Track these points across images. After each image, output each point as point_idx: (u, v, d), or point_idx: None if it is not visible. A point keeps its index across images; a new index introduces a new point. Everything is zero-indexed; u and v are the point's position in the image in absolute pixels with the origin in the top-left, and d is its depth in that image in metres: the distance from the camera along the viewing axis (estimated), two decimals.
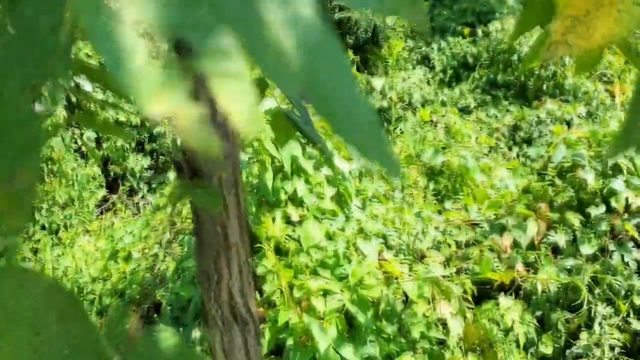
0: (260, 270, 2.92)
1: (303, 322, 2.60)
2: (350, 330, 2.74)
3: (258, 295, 2.92)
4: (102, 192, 7.52)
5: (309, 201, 3.24)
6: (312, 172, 3.32)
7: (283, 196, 3.26)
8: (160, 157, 8.31)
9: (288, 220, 3.20)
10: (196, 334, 3.08)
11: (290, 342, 2.63)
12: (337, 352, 2.56)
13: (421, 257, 3.06)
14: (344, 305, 2.65)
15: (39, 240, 6.42)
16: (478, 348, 2.66)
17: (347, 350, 2.59)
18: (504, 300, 2.67)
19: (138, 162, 8.01)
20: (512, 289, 2.80)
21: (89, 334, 0.58)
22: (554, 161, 3.44)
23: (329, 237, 3.10)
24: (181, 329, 3.36)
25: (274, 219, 3.13)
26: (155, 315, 3.81)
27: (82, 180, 7.19)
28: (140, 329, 0.62)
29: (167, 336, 0.62)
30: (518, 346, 2.82)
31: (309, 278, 2.82)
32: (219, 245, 0.74)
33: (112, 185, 8.03)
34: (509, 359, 2.57)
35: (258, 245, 2.85)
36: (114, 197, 7.61)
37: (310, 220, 3.12)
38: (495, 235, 3.16)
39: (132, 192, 7.92)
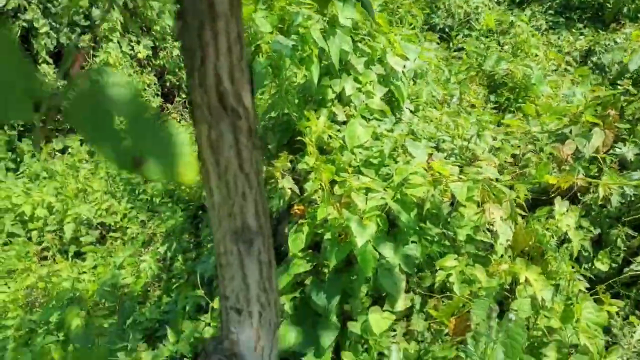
0: (301, 167, 2.81)
1: (342, 218, 2.49)
2: (392, 230, 2.62)
3: (298, 191, 2.83)
4: (158, 101, 7.54)
5: (357, 101, 3.07)
6: (362, 70, 3.13)
7: (330, 95, 3.10)
8: None
9: (334, 120, 3.06)
10: None
11: (327, 236, 2.53)
12: (376, 250, 2.45)
13: (474, 161, 2.87)
14: (386, 204, 2.52)
15: None
16: (528, 256, 2.49)
17: (387, 249, 2.49)
18: (560, 205, 2.47)
19: None
20: (569, 196, 2.59)
21: (21, 70, 0.46)
22: (630, 69, 3.13)
23: (376, 137, 2.95)
24: None
25: (319, 118, 2.98)
26: (200, 212, 3.81)
27: (139, 87, 7.20)
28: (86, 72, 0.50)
29: (117, 81, 0.50)
30: (571, 258, 2.64)
31: (351, 176, 2.69)
32: (202, 14, 0.61)
33: (167, 95, 8.04)
34: (560, 269, 2.40)
35: (299, 138, 2.72)
36: (170, 107, 7.63)
37: (357, 120, 2.97)
38: (557, 144, 2.92)
39: (187, 103, 7.89)
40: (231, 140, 0.66)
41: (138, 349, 2.76)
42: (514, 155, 3.27)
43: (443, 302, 2.42)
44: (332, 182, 2.76)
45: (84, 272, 3.92)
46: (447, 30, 7.44)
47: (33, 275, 3.57)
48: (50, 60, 6.80)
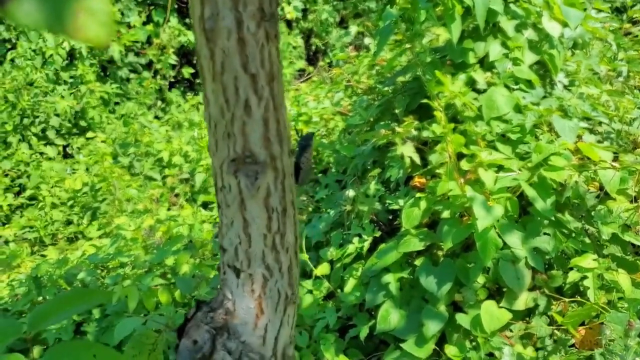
0: (426, 135, 2.54)
1: (465, 196, 2.19)
2: (522, 217, 2.28)
3: (420, 162, 2.56)
4: (301, 64, 7.52)
5: (501, 67, 2.71)
6: (512, 34, 2.76)
7: (471, 59, 2.77)
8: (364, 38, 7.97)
9: (473, 87, 2.73)
10: (351, 193, 2.84)
11: (445, 215, 2.26)
12: (501, 237, 2.14)
13: (634, 149, 2.42)
14: (519, 185, 2.19)
15: None
16: None
17: (513, 238, 2.16)
18: None
19: (340, 39, 7.79)
20: None
21: None
22: None
23: (518, 110, 2.58)
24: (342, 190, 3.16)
25: (454, 83, 2.67)
26: (320, 175, 3.66)
27: (284, 48, 7.21)
28: None
29: None
30: None
31: (483, 149, 2.37)
32: None
33: (312, 59, 8.00)
34: None
35: (425, 101, 2.44)
36: (312, 69, 7.57)
37: (499, 88, 2.62)
38: None
39: (331, 67, 7.79)
40: (231, 22, 0.45)
41: None
42: None
43: (572, 307, 2.05)
44: (461, 156, 2.46)
45: (204, 222, 3.96)
46: None
47: (154, 217, 3.65)
48: None
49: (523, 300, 2.14)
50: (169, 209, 4.49)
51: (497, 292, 2.26)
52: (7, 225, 5.04)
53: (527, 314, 2.21)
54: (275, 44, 0.48)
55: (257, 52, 0.47)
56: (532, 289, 2.20)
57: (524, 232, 2.20)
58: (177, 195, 5.00)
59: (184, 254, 3.09)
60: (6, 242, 4.84)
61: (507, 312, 2.09)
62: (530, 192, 2.17)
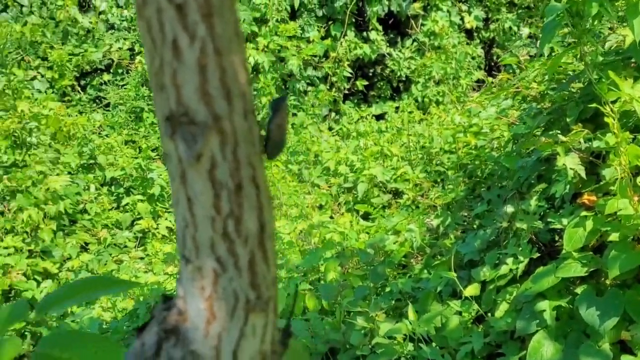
0: (596, 145, 2.22)
1: (639, 217, 1.87)
2: None
3: (585, 176, 2.24)
4: (480, 74, 7.19)
5: None
6: None
7: None
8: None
9: None
10: (509, 209, 2.59)
11: (614, 237, 1.94)
12: None
13: None
14: None
15: (411, 112, 6.58)
16: None
17: None
18: None
19: (513, 42, 7.32)
20: None
21: None
22: None
23: None
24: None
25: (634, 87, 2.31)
26: (483, 189, 3.41)
27: (461, 58, 6.95)
28: None
29: None
30: None
31: None
32: None
33: (491, 70, 7.62)
34: None
35: (595, 105, 2.12)
36: (491, 80, 7.19)
37: None
38: None
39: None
40: None
41: (377, 318, 2.58)
42: None
43: None
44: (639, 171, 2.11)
45: (361, 232, 3.92)
46: None
47: (307, 222, 3.68)
48: (379, 27, 7.00)
49: None
50: (331, 217, 4.52)
51: None
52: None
53: None
54: None
55: None
56: None
57: None
58: (339, 204, 5.03)
59: (333, 261, 3.06)
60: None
61: None
62: None
